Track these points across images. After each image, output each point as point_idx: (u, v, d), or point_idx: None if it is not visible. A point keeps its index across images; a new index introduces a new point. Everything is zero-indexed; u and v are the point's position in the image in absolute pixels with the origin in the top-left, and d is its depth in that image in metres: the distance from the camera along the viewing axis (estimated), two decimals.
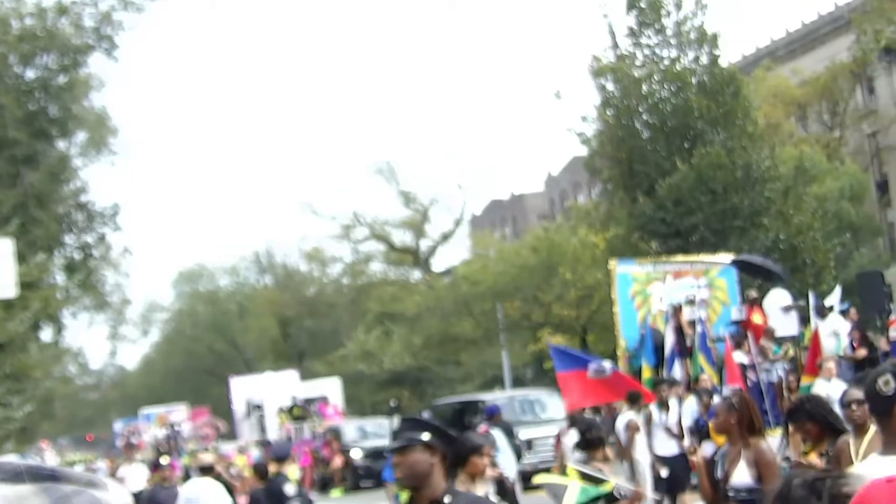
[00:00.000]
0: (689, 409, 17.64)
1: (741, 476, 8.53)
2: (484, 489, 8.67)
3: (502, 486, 15.43)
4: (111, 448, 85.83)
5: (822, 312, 23.14)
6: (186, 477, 20.90)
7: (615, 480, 10.32)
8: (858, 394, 8.09)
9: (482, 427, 18.44)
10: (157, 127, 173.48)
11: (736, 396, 9.77)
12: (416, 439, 4.95)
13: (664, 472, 15.80)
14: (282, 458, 13.94)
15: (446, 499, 5.03)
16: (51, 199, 40.37)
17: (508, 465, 17.62)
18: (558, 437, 19.74)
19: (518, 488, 17.58)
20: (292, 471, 16.73)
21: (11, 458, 1.37)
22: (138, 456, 49.46)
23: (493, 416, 18.35)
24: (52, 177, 40.06)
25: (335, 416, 45.29)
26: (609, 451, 11.09)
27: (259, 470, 15.17)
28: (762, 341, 21.68)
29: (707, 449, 14.72)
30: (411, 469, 4.94)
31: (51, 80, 40.25)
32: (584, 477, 10.00)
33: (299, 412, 44.55)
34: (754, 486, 8.43)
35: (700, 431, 16.08)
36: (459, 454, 8.29)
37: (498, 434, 17.61)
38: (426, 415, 46.00)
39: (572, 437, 16.61)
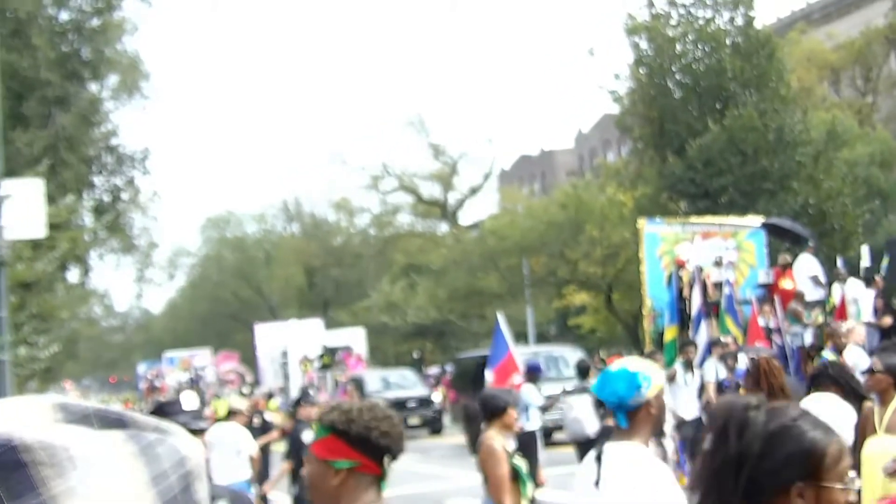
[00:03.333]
0: (711, 370, 17.66)
1: None
2: (511, 442, 8.71)
3: (525, 441, 15.54)
4: (134, 390, 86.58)
5: (842, 277, 23.02)
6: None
7: None
8: (883, 362, 8.08)
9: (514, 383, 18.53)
10: (189, 73, 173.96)
11: (752, 361, 9.78)
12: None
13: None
14: (297, 405, 13.94)
15: None
16: (81, 141, 40.37)
17: (534, 420, 17.79)
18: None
19: (540, 444, 17.68)
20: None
21: (62, 398, 1.32)
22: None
23: (532, 372, 18.54)
24: (83, 119, 40.05)
25: (359, 365, 45.47)
26: None
27: (291, 415, 15.16)
28: (794, 304, 21.60)
29: None
30: None
31: (84, 23, 40.20)
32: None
33: (329, 361, 44.70)
34: None
35: (724, 394, 16.08)
36: (497, 406, 8.38)
37: (531, 389, 17.92)
38: (448, 368, 46.20)
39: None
